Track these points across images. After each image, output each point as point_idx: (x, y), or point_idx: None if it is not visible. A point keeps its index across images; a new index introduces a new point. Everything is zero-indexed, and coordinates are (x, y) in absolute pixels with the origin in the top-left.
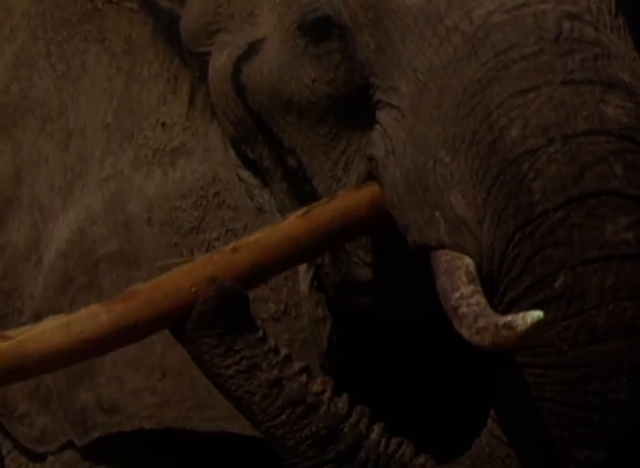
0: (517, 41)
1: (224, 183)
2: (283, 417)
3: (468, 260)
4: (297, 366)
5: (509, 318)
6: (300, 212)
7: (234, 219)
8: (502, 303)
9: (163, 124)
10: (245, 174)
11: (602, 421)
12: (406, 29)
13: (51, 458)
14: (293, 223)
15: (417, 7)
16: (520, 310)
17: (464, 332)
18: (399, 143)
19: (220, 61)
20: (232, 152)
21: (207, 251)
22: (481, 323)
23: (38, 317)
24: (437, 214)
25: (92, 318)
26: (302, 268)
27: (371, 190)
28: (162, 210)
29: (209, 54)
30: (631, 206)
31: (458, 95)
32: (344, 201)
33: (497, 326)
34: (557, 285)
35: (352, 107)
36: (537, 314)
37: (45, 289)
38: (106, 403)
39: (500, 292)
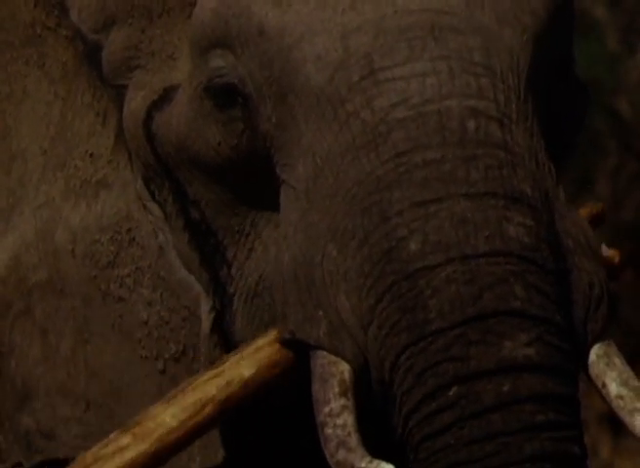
0: (420, 142)
1: (136, 221)
2: None
3: (344, 367)
4: None
5: (363, 465)
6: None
7: (142, 258)
8: (400, 416)
9: (91, 155)
10: (154, 208)
11: None
12: (308, 109)
13: None
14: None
15: (319, 87)
16: (414, 424)
17: (327, 456)
18: (291, 228)
19: (135, 103)
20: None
21: (120, 287)
22: (340, 456)
23: None
24: (320, 312)
25: None
26: (205, 307)
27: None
28: (84, 242)
29: (127, 87)
30: (532, 324)
31: (353, 187)
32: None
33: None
34: (451, 393)
35: (258, 172)
36: (388, 467)
37: None
38: (44, 428)
39: (397, 405)
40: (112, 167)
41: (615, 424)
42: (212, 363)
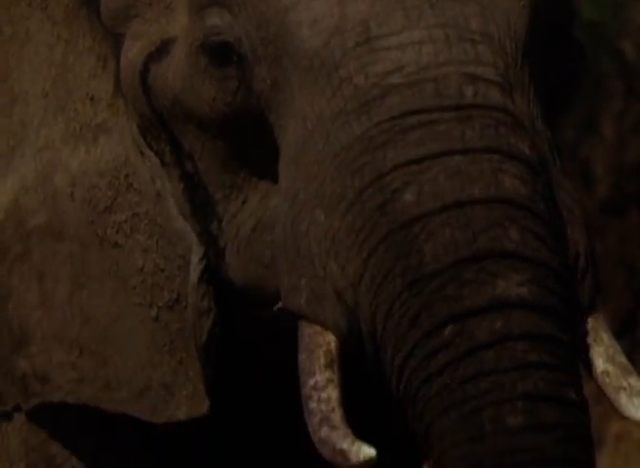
0: (415, 106)
1: (133, 166)
2: None
3: (331, 337)
4: None
5: (345, 446)
6: None
7: (139, 204)
8: (393, 367)
9: (92, 98)
10: (150, 155)
11: (505, 447)
12: (302, 72)
13: (17, 416)
14: None
15: (313, 51)
16: (410, 371)
17: (310, 432)
18: (281, 196)
19: (132, 54)
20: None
21: (117, 232)
22: (323, 433)
23: None
24: (302, 281)
25: None
26: (195, 258)
27: None
28: (83, 186)
29: (124, 36)
30: (527, 265)
31: (342, 151)
32: None
33: (334, 448)
34: (446, 333)
35: (251, 129)
36: (369, 452)
37: None
38: (39, 372)
39: (388, 356)
40: (112, 111)
41: None
42: (199, 313)
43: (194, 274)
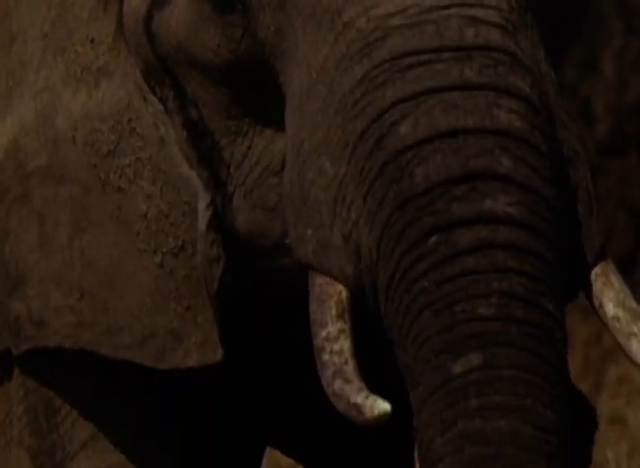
0: (416, 48)
1: (136, 111)
2: None
3: (342, 288)
4: None
5: (359, 400)
6: None
7: (142, 149)
8: (383, 286)
9: (92, 41)
10: (154, 101)
11: (472, 331)
12: (306, 19)
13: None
14: None
15: None
16: (395, 284)
17: (323, 384)
18: (287, 147)
19: (136, 0)
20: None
21: (120, 177)
22: (337, 386)
23: None
24: (309, 231)
25: None
26: (202, 205)
27: None
28: (85, 130)
29: None
30: (516, 190)
31: (345, 95)
32: None
33: (348, 402)
34: (430, 242)
35: (256, 76)
36: (384, 406)
37: None
38: (35, 316)
39: (380, 280)
40: (113, 54)
41: None
42: (208, 261)
43: (202, 221)
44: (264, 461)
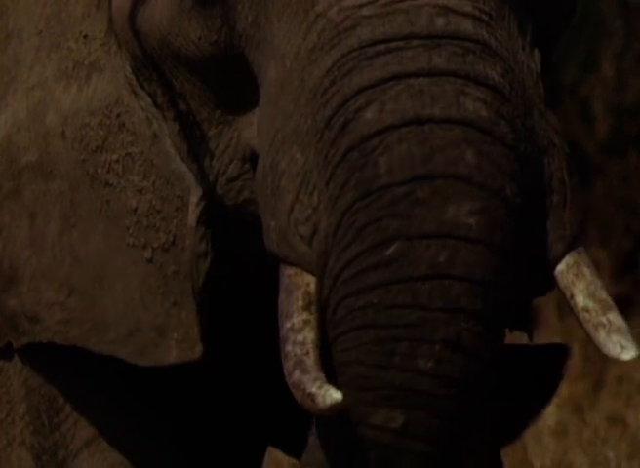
0: (385, 36)
1: (125, 106)
2: None
3: (310, 279)
4: None
5: (314, 389)
6: None
7: (132, 144)
8: (330, 277)
9: (85, 36)
10: (144, 96)
11: (404, 385)
12: (281, 9)
13: (17, 357)
14: None
15: None
16: (343, 279)
17: (285, 373)
18: (261, 137)
19: None
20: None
21: (108, 172)
22: (296, 377)
23: None
24: (273, 222)
25: None
26: (194, 199)
27: None
28: (74, 125)
29: None
30: (478, 193)
31: (314, 85)
32: None
33: (304, 392)
34: (388, 253)
35: (238, 67)
36: (336, 396)
37: None
38: (29, 312)
39: (329, 266)
40: (105, 50)
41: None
42: (196, 255)
43: (192, 216)
44: (266, 460)
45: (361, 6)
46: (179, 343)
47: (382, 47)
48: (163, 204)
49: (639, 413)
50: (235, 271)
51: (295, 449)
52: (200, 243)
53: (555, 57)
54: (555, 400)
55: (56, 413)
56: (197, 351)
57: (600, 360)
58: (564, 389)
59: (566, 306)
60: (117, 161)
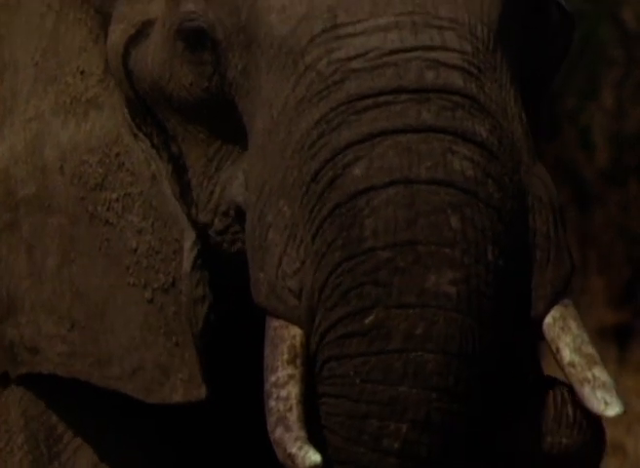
0: (373, 90)
1: (125, 145)
2: None
3: (296, 331)
4: None
5: (294, 450)
6: None
7: (132, 184)
8: (317, 334)
9: (82, 72)
10: (142, 137)
11: (371, 464)
12: (271, 59)
13: (16, 387)
14: None
15: (282, 38)
16: (327, 342)
17: (268, 429)
18: (249, 188)
19: (115, 37)
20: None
21: (108, 210)
22: (278, 434)
23: None
24: (261, 275)
25: None
26: (187, 244)
27: None
28: (73, 161)
29: (110, 15)
30: (460, 262)
31: (302, 137)
32: None
33: (284, 451)
34: (367, 321)
35: (227, 114)
36: (315, 458)
37: None
38: (28, 342)
39: (316, 323)
40: (103, 86)
41: (620, 337)
42: (193, 301)
43: (187, 261)
44: None
45: (350, 59)
46: (184, 383)
47: (371, 101)
48: (162, 245)
49: (639, 442)
50: (233, 311)
51: None
52: (196, 288)
53: (554, 85)
54: None
55: (55, 443)
56: (203, 392)
57: (615, 370)
58: None
59: None
60: (117, 200)
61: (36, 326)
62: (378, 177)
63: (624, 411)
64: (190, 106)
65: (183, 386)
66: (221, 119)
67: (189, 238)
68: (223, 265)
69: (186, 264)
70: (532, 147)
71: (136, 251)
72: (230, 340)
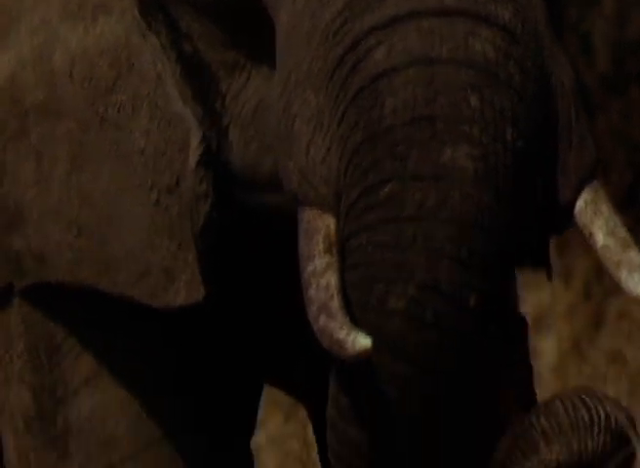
0: None
1: (135, 47)
2: None
3: (330, 220)
4: None
5: (342, 336)
6: None
7: (140, 85)
8: (342, 215)
9: None
10: (152, 37)
11: (377, 329)
12: None
13: (16, 300)
14: None
15: None
16: (352, 219)
17: (310, 319)
18: (275, 82)
19: None
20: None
21: (118, 112)
22: (322, 322)
23: None
24: (292, 163)
25: None
26: (195, 141)
27: None
28: (82, 65)
29: None
30: (479, 140)
31: (327, 26)
32: None
33: (331, 338)
34: (382, 193)
35: (249, 11)
36: (365, 342)
37: None
38: (35, 251)
39: (342, 201)
40: None
41: None
42: (196, 196)
43: (193, 157)
44: (263, 399)
45: None
46: (186, 285)
47: None
48: (167, 146)
49: (639, 351)
50: (242, 218)
51: (292, 388)
52: (200, 184)
53: None
54: (555, 337)
55: (55, 351)
56: (201, 292)
57: (600, 297)
58: (564, 326)
59: (566, 244)
60: (127, 102)
61: (43, 234)
62: (399, 59)
63: None
64: (210, 4)
65: (186, 288)
66: (244, 16)
67: (196, 136)
68: (235, 170)
69: (192, 160)
70: (553, 35)
71: (143, 151)
72: (238, 248)
